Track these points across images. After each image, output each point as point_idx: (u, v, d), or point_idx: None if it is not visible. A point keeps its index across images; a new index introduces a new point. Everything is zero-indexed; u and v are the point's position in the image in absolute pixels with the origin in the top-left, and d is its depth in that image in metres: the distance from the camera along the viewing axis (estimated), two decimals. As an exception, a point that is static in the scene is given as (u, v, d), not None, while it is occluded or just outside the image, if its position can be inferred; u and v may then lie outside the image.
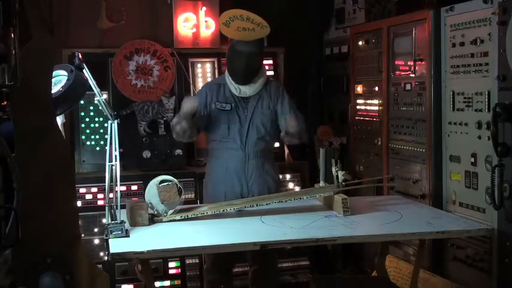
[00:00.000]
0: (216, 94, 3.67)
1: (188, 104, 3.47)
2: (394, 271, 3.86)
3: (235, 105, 3.64)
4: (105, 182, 3.02)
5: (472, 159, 3.32)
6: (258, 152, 3.65)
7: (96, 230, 4.28)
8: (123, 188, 4.16)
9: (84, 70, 2.90)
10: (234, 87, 3.64)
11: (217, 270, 3.72)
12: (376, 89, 4.28)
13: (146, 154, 4.47)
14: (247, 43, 3.52)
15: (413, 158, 3.87)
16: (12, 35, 1.89)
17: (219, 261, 3.66)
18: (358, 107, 4.55)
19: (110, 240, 2.85)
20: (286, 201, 3.41)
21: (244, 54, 3.53)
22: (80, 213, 3.74)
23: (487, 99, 3.18)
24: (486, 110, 3.19)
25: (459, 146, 3.45)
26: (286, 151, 4.89)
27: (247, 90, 3.64)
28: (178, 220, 3.20)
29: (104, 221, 3.70)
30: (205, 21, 4.85)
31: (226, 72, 3.71)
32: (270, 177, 3.73)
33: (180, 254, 4.03)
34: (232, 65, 3.64)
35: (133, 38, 4.68)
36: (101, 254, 4.24)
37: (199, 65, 4.89)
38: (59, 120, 3.55)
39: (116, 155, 3.00)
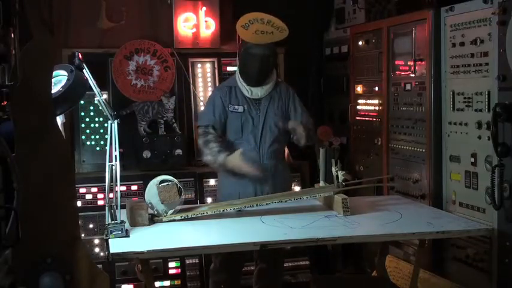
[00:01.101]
0: (229, 97, 3.68)
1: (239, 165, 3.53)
2: (394, 271, 3.86)
3: (247, 106, 3.66)
4: (105, 182, 3.02)
5: (472, 159, 3.32)
6: (272, 153, 3.66)
7: (96, 230, 4.28)
8: (123, 188, 4.16)
9: (84, 70, 2.90)
10: (245, 89, 3.65)
11: (226, 271, 3.72)
12: (376, 89, 4.28)
13: (146, 154, 4.47)
14: (262, 46, 3.55)
15: (413, 158, 3.87)
16: (12, 35, 1.89)
17: (228, 261, 3.65)
18: (358, 107, 4.55)
19: (110, 240, 2.86)
20: (286, 201, 3.41)
21: (259, 57, 3.55)
22: (80, 213, 3.74)
23: (487, 99, 3.18)
24: (486, 110, 3.19)
25: (459, 146, 3.45)
26: (286, 151, 4.89)
27: (258, 92, 3.65)
28: (178, 220, 3.20)
29: (104, 221, 3.70)
30: (205, 21, 4.84)
31: (237, 74, 3.71)
32: (283, 178, 3.74)
33: (180, 254, 4.03)
34: (245, 67, 3.65)
35: (133, 38, 4.68)
36: (101, 254, 4.24)
37: (199, 65, 4.88)
38: (59, 120, 3.54)
39: (116, 155, 3.00)
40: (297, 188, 4.61)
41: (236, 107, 3.66)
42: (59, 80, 2.73)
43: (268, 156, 3.64)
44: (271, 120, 3.67)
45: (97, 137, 4.60)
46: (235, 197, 3.58)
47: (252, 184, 3.63)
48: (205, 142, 3.62)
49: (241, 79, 3.66)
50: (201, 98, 4.79)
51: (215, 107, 3.69)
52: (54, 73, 2.59)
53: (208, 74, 4.89)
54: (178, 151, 4.51)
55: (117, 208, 2.99)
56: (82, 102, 4.44)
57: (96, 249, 4.27)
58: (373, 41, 4.30)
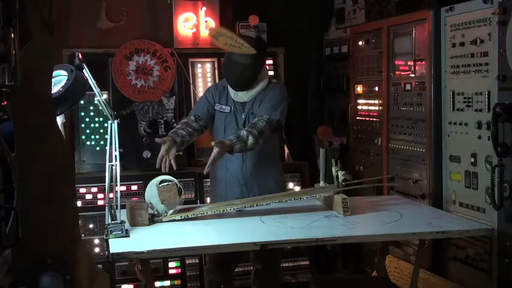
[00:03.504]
0: (219, 96, 3.70)
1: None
2: (394, 271, 3.86)
3: (234, 107, 3.66)
4: (105, 182, 3.02)
5: (472, 159, 3.32)
6: (256, 154, 3.64)
7: (96, 230, 4.28)
8: (123, 188, 4.16)
9: (84, 70, 2.90)
10: (232, 92, 3.66)
11: (218, 270, 3.73)
12: (376, 89, 4.28)
13: (146, 154, 4.47)
14: (244, 55, 3.52)
15: (413, 158, 3.87)
16: (12, 35, 1.89)
17: (221, 261, 3.66)
18: (358, 107, 4.55)
19: (109, 240, 2.85)
20: (286, 201, 3.40)
21: (237, 64, 3.53)
22: (80, 213, 3.73)
23: (487, 99, 3.18)
24: (486, 110, 3.19)
25: (459, 146, 3.45)
26: (286, 151, 4.89)
27: (244, 96, 3.65)
28: (178, 220, 3.20)
29: (104, 221, 3.70)
30: (205, 21, 4.84)
31: None
32: (273, 180, 3.71)
33: (180, 254, 4.03)
34: (226, 73, 3.69)
35: (133, 38, 4.68)
36: (101, 254, 4.24)
37: (199, 65, 4.89)
38: (59, 120, 3.54)
39: (116, 155, 3.00)
40: (297, 188, 4.61)
41: (223, 107, 3.67)
42: (59, 80, 2.72)
43: (252, 156, 3.63)
44: None
45: (97, 137, 4.60)
46: (222, 198, 3.62)
47: (238, 184, 3.64)
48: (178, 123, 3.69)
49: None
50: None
51: (204, 102, 3.72)
52: (54, 73, 2.59)
53: (208, 74, 4.89)
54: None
55: (117, 208, 2.99)
56: (82, 102, 4.44)
57: (96, 249, 4.27)
58: (373, 41, 4.30)
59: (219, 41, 3.53)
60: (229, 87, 3.68)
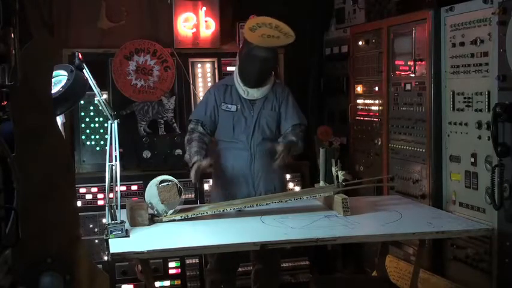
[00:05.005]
0: (223, 95, 3.69)
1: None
2: (394, 271, 3.86)
3: (241, 106, 3.66)
4: (105, 182, 3.02)
5: (472, 159, 3.32)
6: (264, 152, 3.65)
7: (96, 230, 4.28)
8: (123, 188, 4.16)
9: (84, 70, 2.90)
10: (242, 90, 3.65)
11: (221, 271, 3.73)
12: (376, 89, 4.28)
13: (146, 154, 4.47)
14: (266, 48, 3.52)
15: (413, 158, 3.87)
16: (12, 35, 1.89)
17: (223, 261, 3.66)
18: (358, 107, 4.55)
19: (110, 240, 2.86)
20: (286, 201, 3.41)
21: (261, 59, 3.53)
22: (80, 213, 3.73)
23: (487, 99, 3.18)
24: (486, 110, 3.19)
25: (459, 146, 3.45)
26: (287, 151, 4.88)
27: (255, 93, 3.65)
28: (178, 220, 3.20)
29: (104, 221, 3.70)
30: (205, 21, 4.84)
31: (236, 73, 3.70)
32: (277, 177, 3.74)
33: (180, 254, 4.04)
34: (246, 69, 3.63)
35: (133, 38, 4.68)
36: (101, 254, 4.25)
37: (199, 65, 4.88)
38: (59, 120, 3.54)
39: (116, 155, 3.00)
40: (297, 188, 4.61)
41: (229, 106, 3.67)
42: (59, 80, 2.72)
43: (260, 154, 3.64)
44: (264, 121, 3.67)
45: (97, 137, 4.60)
46: (228, 197, 3.60)
47: (246, 184, 3.64)
48: (188, 140, 3.65)
49: (239, 79, 3.66)
50: (201, 98, 4.79)
51: (208, 105, 3.71)
52: (54, 73, 2.59)
53: (208, 74, 4.89)
54: (178, 151, 4.50)
55: (117, 208, 2.99)
56: (82, 102, 4.44)
57: (96, 249, 4.27)
58: (373, 41, 4.30)
59: (256, 33, 3.49)
60: (238, 85, 3.65)
